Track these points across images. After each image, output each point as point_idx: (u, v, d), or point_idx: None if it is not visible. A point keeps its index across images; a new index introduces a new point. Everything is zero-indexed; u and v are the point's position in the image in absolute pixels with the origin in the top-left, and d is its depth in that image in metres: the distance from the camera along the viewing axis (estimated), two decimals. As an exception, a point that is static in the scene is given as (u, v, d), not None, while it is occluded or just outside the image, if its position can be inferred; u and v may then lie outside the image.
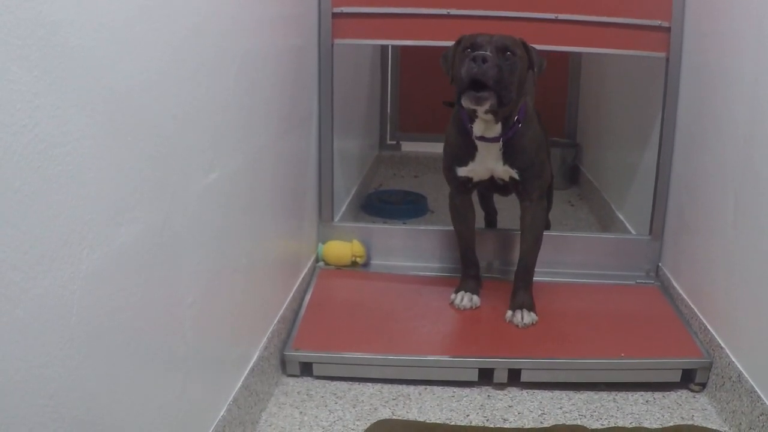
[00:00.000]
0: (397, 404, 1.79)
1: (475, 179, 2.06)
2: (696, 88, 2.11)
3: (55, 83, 0.85)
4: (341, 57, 2.44)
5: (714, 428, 1.67)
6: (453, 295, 2.16)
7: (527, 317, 2.02)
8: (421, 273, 2.36)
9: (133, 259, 1.07)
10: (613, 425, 1.71)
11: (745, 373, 1.68)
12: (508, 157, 1.98)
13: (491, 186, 2.12)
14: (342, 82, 2.55)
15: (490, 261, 2.39)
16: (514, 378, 1.86)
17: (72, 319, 0.90)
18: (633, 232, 2.58)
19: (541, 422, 1.72)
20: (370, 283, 2.31)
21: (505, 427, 1.70)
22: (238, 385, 1.58)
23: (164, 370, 1.20)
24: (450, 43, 1.93)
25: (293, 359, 1.90)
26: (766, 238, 1.62)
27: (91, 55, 0.92)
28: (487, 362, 1.87)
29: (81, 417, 0.93)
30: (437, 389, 1.86)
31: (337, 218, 2.51)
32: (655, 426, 1.70)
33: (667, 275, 2.28)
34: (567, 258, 2.36)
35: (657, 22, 2.19)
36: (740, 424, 1.66)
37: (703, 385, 1.87)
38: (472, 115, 1.91)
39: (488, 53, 1.76)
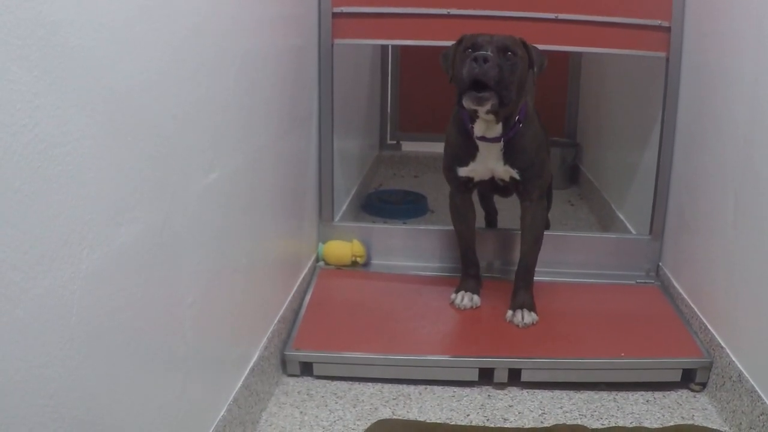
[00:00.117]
0: (397, 404, 1.79)
1: (476, 179, 2.06)
2: (696, 87, 2.11)
3: (55, 83, 0.85)
4: (341, 57, 2.44)
5: (714, 428, 1.67)
6: (453, 295, 2.16)
7: (528, 317, 2.02)
8: (422, 273, 2.36)
9: (133, 259, 1.07)
10: (614, 425, 1.71)
11: (745, 373, 1.68)
12: (508, 157, 1.98)
13: (491, 187, 2.12)
14: (342, 82, 2.55)
15: (490, 261, 2.39)
16: (515, 378, 1.86)
17: (72, 319, 0.90)
18: (633, 231, 2.58)
19: (542, 422, 1.72)
20: (371, 283, 2.31)
21: (506, 426, 1.70)
22: (239, 385, 1.58)
23: (164, 370, 1.20)
24: (450, 43, 1.93)
25: (293, 359, 1.90)
26: (766, 237, 1.62)
27: (91, 55, 0.92)
28: (488, 362, 1.87)
29: (81, 417, 0.93)
30: (437, 389, 1.86)
31: (337, 218, 2.51)
32: (655, 426, 1.70)
33: (668, 275, 2.28)
34: (567, 258, 2.36)
35: (657, 22, 2.19)
36: (740, 423, 1.66)
37: (704, 385, 1.87)
38: (473, 116, 1.91)
39: (489, 53, 1.76)
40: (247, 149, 1.59)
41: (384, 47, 3.78)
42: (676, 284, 2.21)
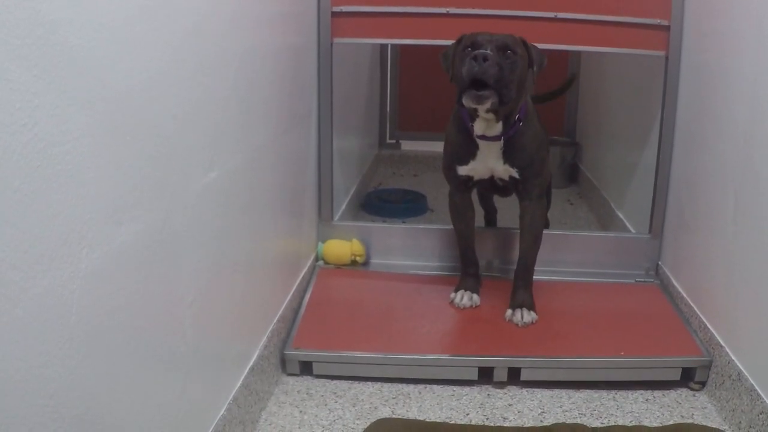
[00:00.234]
0: (397, 403, 1.79)
1: (476, 178, 2.06)
2: (695, 86, 2.11)
3: (54, 82, 0.85)
4: (340, 56, 2.44)
5: (714, 427, 1.67)
6: (453, 294, 2.16)
7: (527, 316, 2.03)
8: (421, 272, 2.36)
9: (132, 258, 1.07)
10: (613, 424, 1.71)
11: (744, 372, 1.68)
12: (508, 156, 1.98)
13: (491, 187, 2.12)
14: (341, 81, 2.55)
15: (489, 260, 2.39)
16: (514, 376, 1.86)
17: (72, 318, 0.90)
18: (632, 230, 2.58)
19: (541, 421, 1.72)
20: (370, 282, 2.31)
21: (505, 425, 1.70)
22: (238, 384, 1.58)
23: (164, 370, 1.20)
24: (450, 42, 1.93)
25: (293, 358, 1.90)
26: (766, 236, 1.62)
27: (91, 54, 0.92)
28: (487, 361, 1.87)
29: (81, 416, 0.93)
30: (437, 388, 1.86)
31: (336, 217, 2.51)
32: (654, 424, 1.70)
33: (667, 274, 2.28)
34: (566, 257, 2.36)
35: (656, 21, 2.19)
36: (740, 422, 1.66)
37: (703, 384, 1.87)
38: (473, 114, 1.91)
39: (489, 52, 1.76)
40: (246, 148, 1.59)
41: (383, 46, 3.78)
42: (675, 283, 2.21)
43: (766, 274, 1.62)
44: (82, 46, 0.90)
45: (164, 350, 1.20)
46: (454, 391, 1.85)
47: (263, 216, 1.76)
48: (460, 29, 1.94)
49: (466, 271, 2.20)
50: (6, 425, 0.79)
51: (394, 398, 1.81)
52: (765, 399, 1.57)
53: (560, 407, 1.78)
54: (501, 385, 1.87)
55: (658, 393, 1.85)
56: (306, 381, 1.88)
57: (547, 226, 2.43)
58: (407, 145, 4.03)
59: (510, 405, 1.79)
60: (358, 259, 2.38)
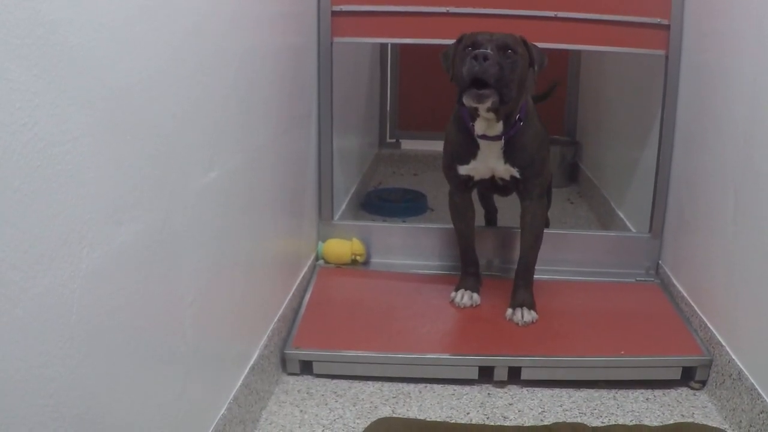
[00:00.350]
0: (397, 402, 1.79)
1: (476, 178, 2.06)
2: (695, 85, 2.11)
3: (54, 82, 0.85)
4: (341, 55, 2.44)
5: (714, 426, 1.67)
6: (453, 293, 2.16)
7: (527, 315, 2.03)
8: (421, 271, 2.36)
9: (132, 258, 1.07)
10: (614, 423, 1.71)
11: (745, 371, 1.68)
12: (509, 156, 1.98)
13: (491, 187, 2.12)
14: (341, 80, 2.55)
15: (490, 259, 2.39)
16: (515, 376, 1.86)
17: (72, 318, 0.90)
18: (633, 229, 2.58)
19: (542, 420, 1.72)
20: (370, 282, 2.31)
21: (506, 425, 1.70)
22: (239, 384, 1.58)
23: (164, 369, 1.20)
24: (450, 42, 1.93)
25: (293, 357, 1.90)
26: (766, 236, 1.62)
27: (91, 54, 0.92)
28: (488, 360, 1.87)
29: (81, 416, 0.93)
30: (437, 387, 1.86)
31: (336, 216, 2.51)
32: (655, 423, 1.70)
33: (667, 273, 2.28)
34: (567, 256, 2.36)
35: (656, 20, 2.19)
36: (740, 421, 1.66)
37: (704, 383, 1.87)
38: (474, 114, 1.91)
39: (489, 51, 1.76)
40: (246, 148, 1.59)
41: (383, 46, 3.77)
42: (675, 282, 2.21)
43: (766, 273, 1.62)
44: (82, 46, 0.90)
45: (164, 350, 1.20)
46: (454, 390, 1.85)
47: (263, 216, 1.76)
48: (460, 28, 1.94)
49: (467, 270, 2.20)
50: (6, 425, 0.79)
51: (394, 397, 1.81)
52: (765, 398, 1.57)
53: (560, 406, 1.78)
54: (501, 384, 1.87)
55: (658, 392, 1.85)
56: (306, 380, 1.88)
57: (547, 225, 2.43)
58: (407, 145, 4.03)
59: (510, 404, 1.79)
60: (358, 258, 2.38)
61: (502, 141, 1.95)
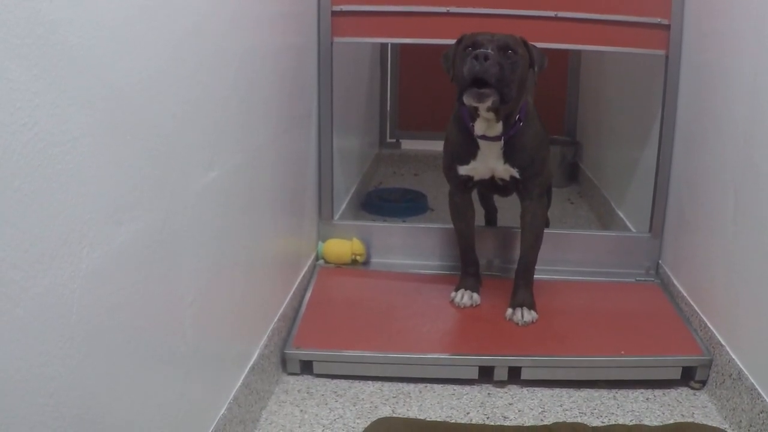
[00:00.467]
0: (397, 402, 1.79)
1: (476, 178, 2.06)
2: (696, 85, 2.11)
3: (54, 82, 0.85)
4: (341, 55, 2.44)
5: (714, 426, 1.67)
6: (453, 293, 2.16)
7: (527, 315, 2.03)
8: (421, 271, 2.36)
9: (133, 258, 1.07)
10: (614, 423, 1.71)
11: (745, 371, 1.68)
12: (509, 156, 1.98)
13: (491, 187, 2.13)
14: (341, 80, 2.55)
15: (490, 259, 2.39)
16: (515, 376, 1.86)
17: (72, 317, 0.90)
18: (633, 229, 2.58)
19: (542, 420, 1.72)
20: (370, 282, 2.31)
21: (506, 425, 1.70)
22: (239, 384, 1.58)
23: (164, 369, 1.20)
24: (450, 42, 1.93)
25: (293, 357, 1.90)
26: (766, 236, 1.62)
27: (91, 53, 0.92)
28: (488, 360, 1.87)
29: (81, 415, 0.93)
30: (437, 387, 1.86)
31: (336, 216, 2.51)
32: (655, 423, 1.70)
33: (667, 273, 2.28)
34: (567, 256, 2.36)
35: (657, 20, 2.19)
36: (740, 421, 1.66)
37: (704, 383, 1.87)
38: (474, 114, 1.91)
39: (490, 51, 1.76)
40: (246, 148, 1.59)
41: (383, 45, 3.77)
42: (675, 282, 2.21)
43: (766, 273, 1.62)
44: (82, 46, 0.90)
45: (164, 350, 1.20)
46: (454, 390, 1.85)
47: (263, 215, 1.76)
48: (460, 28, 1.95)
49: (467, 270, 2.20)
50: (6, 424, 0.79)
51: (394, 397, 1.81)
52: (765, 398, 1.57)
53: (560, 406, 1.78)
54: (501, 384, 1.87)
55: (658, 392, 1.85)
56: (306, 380, 1.88)
57: (547, 225, 2.43)
58: (407, 145, 4.03)
59: (510, 404, 1.79)
60: (358, 258, 2.38)
61: (502, 141, 1.95)
